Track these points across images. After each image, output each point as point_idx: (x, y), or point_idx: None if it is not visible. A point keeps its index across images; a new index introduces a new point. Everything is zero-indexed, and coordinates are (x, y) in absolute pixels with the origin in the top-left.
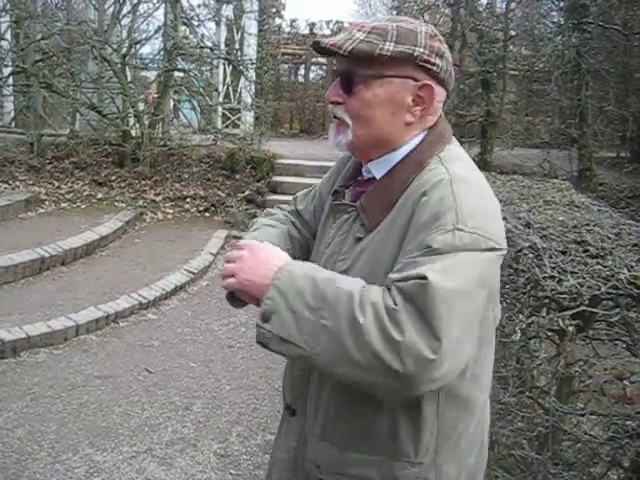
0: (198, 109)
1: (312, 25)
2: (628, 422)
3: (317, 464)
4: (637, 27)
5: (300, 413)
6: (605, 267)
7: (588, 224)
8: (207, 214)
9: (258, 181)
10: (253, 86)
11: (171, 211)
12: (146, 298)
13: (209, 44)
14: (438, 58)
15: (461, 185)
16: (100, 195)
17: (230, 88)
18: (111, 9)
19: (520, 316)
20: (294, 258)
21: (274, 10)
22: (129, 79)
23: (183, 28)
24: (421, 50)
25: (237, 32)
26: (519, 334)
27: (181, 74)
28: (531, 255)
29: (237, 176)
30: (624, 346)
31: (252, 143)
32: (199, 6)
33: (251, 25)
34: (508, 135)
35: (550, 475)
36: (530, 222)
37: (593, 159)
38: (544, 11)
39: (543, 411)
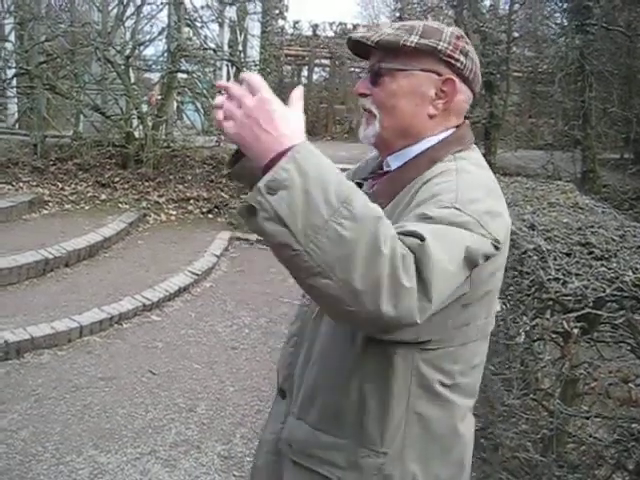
0: (201, 110)
1: (315, 27)
2: (634, 425)
3: (290, 443)
4: None
5: (289, 394)
6: (610, 269)
7: (592, 226)
8: (210, 216)
9: None
10: None
11: (174, 212)
12: (150, 300)
13: (212, 46)
14: (462, 55)
15: (466, 176)
16: (104, 196)
17: None
18: (115, 11)
19: (524, 318)
20: None
21: (277, 12)
22: (132, 81)
23: (186, 30)
24: (445, 45)
25: (240, 34)
26: (523, 336)
27: (184, 75)
28: (535, 257)
29: None
30: (629, 348)
31: None
32: (202, 8)
33: (254, 27)
34: (512, 137)
35: (555, 477)
36: (534, 224)
37: (597, 161)
38: (547, 13)
39: (547, 413)
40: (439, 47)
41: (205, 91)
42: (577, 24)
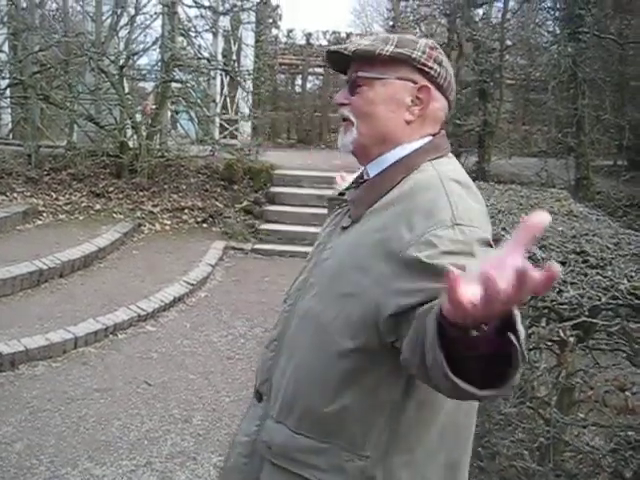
0: (196, 120)
1: (309, 35)
2: (630, 433)
3: (269, 446)
4: (632, 36)
5: (266, 397)
6: (605, 277)
7: (587, 234)
8: (205, 225)
9: (256, 192)
10: (250, 97)
11: (169, 222)
12: (145, 310)
13: (206, 55)
14: (436, 64)
15: (453, 185)
16: (98, 206)
17: (227, 99)
18: (108, 21)
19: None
20: None
21: (271, 21)
22: (126, 90)
23: (180, 39)
24: (419, 54)
25: (234, 43)
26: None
27: (179, 85)
28: None
29: (235, 187)
30: (624, 356)
31: (250, 154)
32: (196, 17)
33: (248, 36)
34: (505, 144)
35: None
36: None
37: (590, 168)
38: (540, 21)
39: (544, 422)
40: (413, 55)
41: (199, 100)
42: (569, 32)
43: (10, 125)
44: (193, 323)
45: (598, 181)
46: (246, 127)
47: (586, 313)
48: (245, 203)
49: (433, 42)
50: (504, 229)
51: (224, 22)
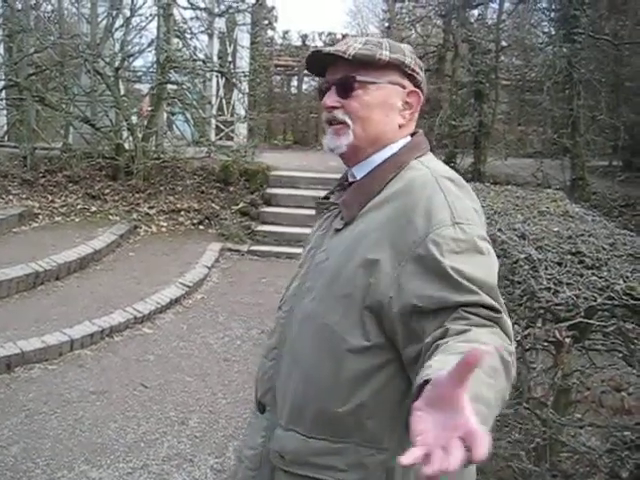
0: (191, 121)
1: (304, 37)
2: (626, 433)
3: (282, 454)
4: (627, 37)
5: (270, 407)
6: (601, 278)
7: (583, 234)
8: (201, 227)
9: (252, 193)
10: (246, 98)
11: (165, 224)
12: (141, 312)
13: (202, 57)
14: (421, 70)
15: (448, 183)
16: (94, 209)
17: (223, 100)
18: (104, 22)
19: (516, 327)
20: None
21: (266, 22)
22: (122, 92)
23: (176, 41)
24: (409, 60)
25: (230, 44)
26: (515, 345)
27: (174, 87)
28: (527, 267)
29: (231, 188)
30: (620, 356)
31: (246, 155)
32: (192, 19)
33: (244, 37)
34: (501, 145)
35: None
36: (525, 233)
37: (586, 168)
38: (535, 22)
39: (541, 423)
40: (406, 62)
41: (195, 102)
42: (564, 33)
43: (5, 127)
44: (189, 325)
45: (594, 182)
46: (242, 128)
47: (582, 314)
48: (241, 205)
49: (411, 48)
50: (500, 230)
51: (220, 24)
